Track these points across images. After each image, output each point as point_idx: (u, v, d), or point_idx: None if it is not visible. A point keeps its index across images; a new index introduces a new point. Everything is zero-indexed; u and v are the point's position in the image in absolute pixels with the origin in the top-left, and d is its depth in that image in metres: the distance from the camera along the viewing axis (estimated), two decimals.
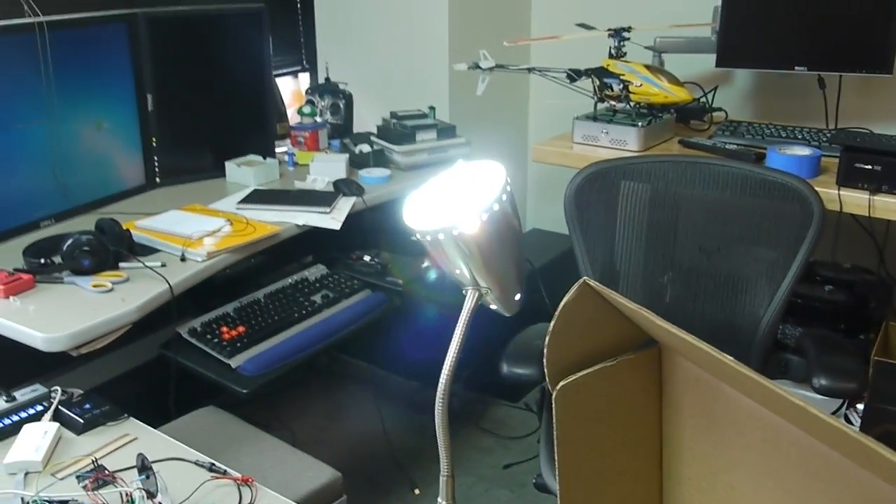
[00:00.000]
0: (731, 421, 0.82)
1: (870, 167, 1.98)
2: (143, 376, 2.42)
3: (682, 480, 0.92)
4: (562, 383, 0.87)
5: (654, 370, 0.92)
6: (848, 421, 2.30)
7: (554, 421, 0.89)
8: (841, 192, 1.99)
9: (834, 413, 2.33)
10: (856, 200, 1.99)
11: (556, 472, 0.90)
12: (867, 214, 1.98)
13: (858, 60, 2.34)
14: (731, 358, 0.70)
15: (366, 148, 2.56)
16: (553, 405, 0.88)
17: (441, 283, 1.11)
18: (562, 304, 0.85)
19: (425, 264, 0.94)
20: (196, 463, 1.33)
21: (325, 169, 2.41)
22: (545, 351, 0.87)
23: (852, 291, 2.34)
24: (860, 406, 2.17)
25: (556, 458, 0.89)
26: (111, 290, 1.70)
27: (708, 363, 0.81)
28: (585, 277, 0.82)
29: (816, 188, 1.71)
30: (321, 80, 2.90)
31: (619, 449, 0.94)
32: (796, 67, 2.42)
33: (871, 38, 2.30)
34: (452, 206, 1.02)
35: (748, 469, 0.81)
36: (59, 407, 1.44)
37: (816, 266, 2.41)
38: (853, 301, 2.32)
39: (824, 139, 2.29)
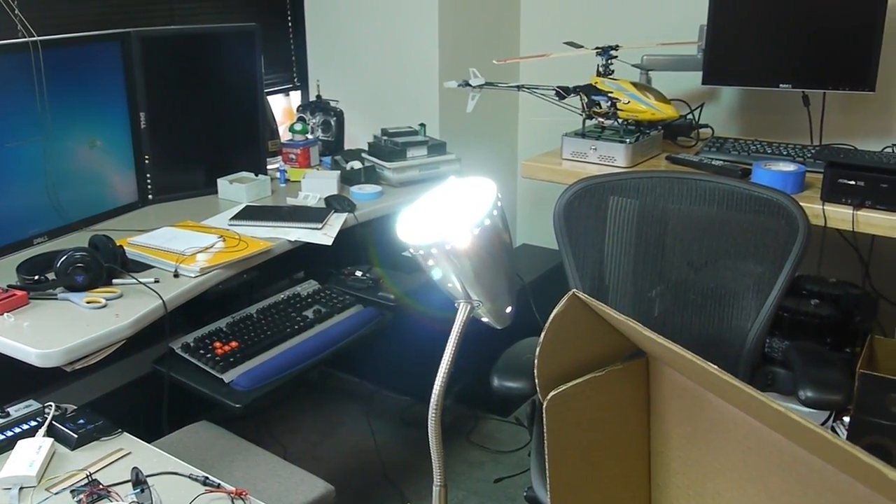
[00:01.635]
0: (717, 428, 0.84)
1: (853, 183, 2.01)
2: (137, 391, 2.42)
3: (670, 488, 0.94)
4: (552, 393, 0.89)
5: (642, 380, 0.94)
6: (835, 433, 2.32)
7: (544, 430, 0.91)
8: (825, 208, 2.03)
9: (821, 425, 2.35)
10: (840, 215, 2.02)
11: (548, 481, 0.91)
12: (851, 229, 2.01)
13: (842, 78, 2.38)
14: (715, 366, 0.72)
15: (357, 164, 2.58)
16: (543, 415, 0.90)
17: (433, 298, 1.13)
18: (552, 315, 0.87)
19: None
20: (190, 477, 1.34)
21: (317, 185, 2.43)
22: (535, 362, 0.89)
23: (838, 305, 2.37)
24: (847, 419, 2.19)
25: (546, 467, 0.90)
26: (105, 306, 1.71)
27: (693, 372, 0.83)
28: (574, 290, 0.84)
29: (801, 203, 1.74)
30: (312, 98, 2.93)
31: (608, 457, 0.96)
32: (781, 85, 2.46)
33: (854, 55, 2.34)
34: (445, 222, 1.04)
35: (734, 475, 0.83)
36: (54, 422, 1.45)
37: (802, 280, 2.44)
38: (839, 315, 2.35)
39: (809, 155, 2.33)
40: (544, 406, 0.89)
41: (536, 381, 0.90)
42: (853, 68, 2.35)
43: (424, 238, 1.02)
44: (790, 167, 2.14)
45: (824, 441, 0.65)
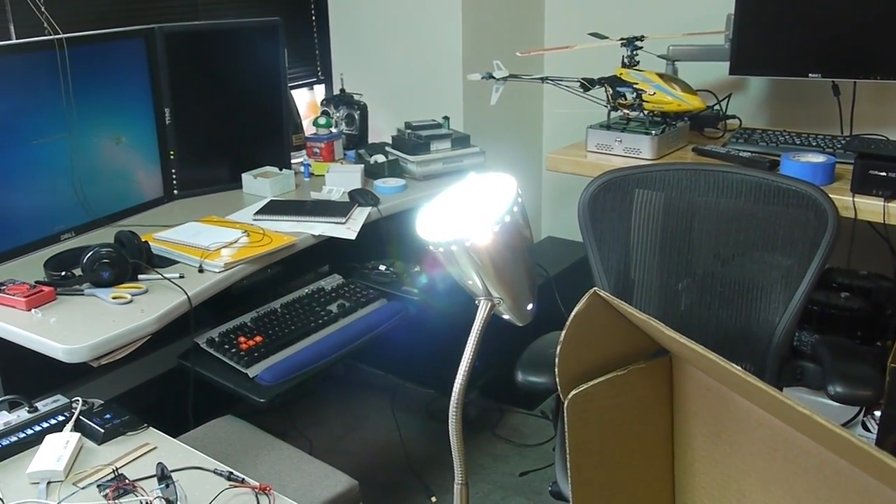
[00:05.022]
0: (741, 429, 0.83)
1: (884, 174, 1.97)
2: (162, 386, 2.45)
3: (693, 488, 0.93)
4: (573, 392, 0.88)
5: (665, 379, 0.93)
6: (866, 428, 2.29)
7: (566, 429, 0.90)
8: (856, 199, 1.99)
9: (851, 420, 2.32)
10: (871, 207, 1.98)
11: (569, 480, 0.90)
12: (882, 221, 1.98)
13: (872, 67, 2.33)
14: (739, 368, 0.71)
15: (381, 158, 2.58)
16: (564, 414, 0.89)
17: (456, 291, 1.13)
18: (572, 314, 0.86)
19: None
20: (214, 472, 1.34)
21: (341, 179, 2.43)
22: (556, 360, 0.88)
23: (869, 298, 2.33)
24: (878, 413, 2.16)
25: (568, 466, 0.89)
26: (130, 301, 1.72)
27: (717, 372, 0.81)
28: (595, 288, 0.83)
29: (831, 195, 1.71)
30: (336, 92, 2.93)
31: (630, 457, 0.95)
32: (810, 74, 2.42)
33: (884, 44, 2.29)
34: (465, 219, 1.03)
35: (758, 477, 0.82)
36: (80, 417, 1.46)
37: (833, 273, 2.40)
38: (870, 308, 2.31)
39: (838, 146, 2.29)
40: (565, 405, 0.88)
41: (557, 379, 0.89)
42: (885, 57, 2.30)
43: (444, 235, 1.01)
44: (819, 158, 2.11)
45: (850, 444, 0.63)
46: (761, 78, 2.72)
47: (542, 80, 2.56)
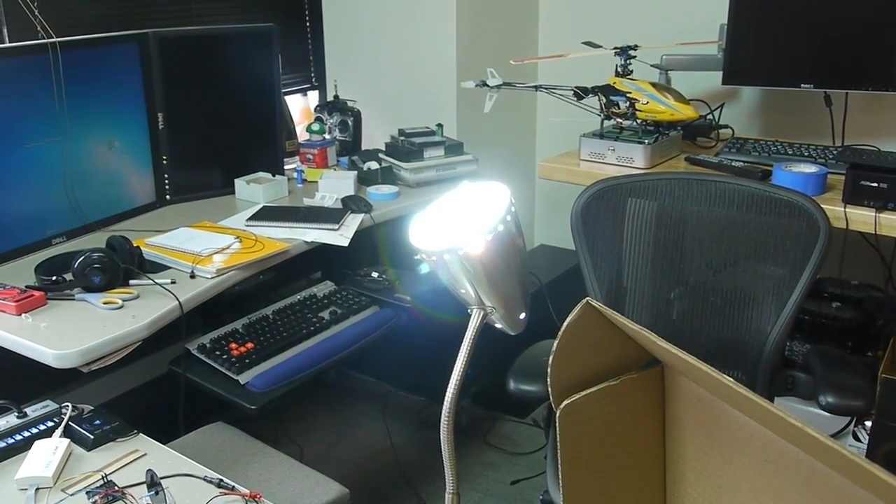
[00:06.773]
0: (733, 440, 0.83)
1: (876, 185, 1.98)
2: (153, 392, 2.43)
3: (685, 499, 0.93)
4: (565, 402, 0.88)
5: (657, 389, 0.93)
6: (856, 438, 2.29)
7: (558, 440, 0.90)
8: (847, 210, 2.00)
9: (842, 430, 2.32)
10: (862, 218, 1.99)
11: (560, 490, 0.90)
12: (873, 232, 1.98)
13: (864, 77, 2.34)
14: (731, 379, 0.71)
15: (374, 165, 2.57)
16: (557, 424, 0.88)
17: (448, 299, 1.12)
18: (565, 324, 0.86)
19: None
20: (204, 479, 1.33)
21: (334, 186, 2.43)
22: (549, 371, 0.88)
23: (860, 308, 2.34)
24: (869, 423, 2.16)
25: (559, 476, 0.89)
26: (121, 307, 1.71)
27: (709, 383, 0.81)
28: (588, 298, 0.83)
29: (823, 206, 1.71)
30: (330, 98, 2.93)
31: (622, 467, 0.95)
32: (802, 85, 2.43)
33: (876, 55, 2.31)
34: (458, 227, 1.03)
35: (750, 488, 0.82)
36: (70, 423, 1.45)
37: (824, 283, 2.41)
38: (861, 318, 2.32)
39: (830, 156, 2.30)
40: (557, 415, 0.88)
41: (549, 389, 0.89)
42: (876, 68, 2.31)
43: (437, 244, 1.01)
44: (811, 169, 2.12)
45: (841, 456, 0.63)
46: (754, 88, 2.73)
47: (536, 88, 2.56)
